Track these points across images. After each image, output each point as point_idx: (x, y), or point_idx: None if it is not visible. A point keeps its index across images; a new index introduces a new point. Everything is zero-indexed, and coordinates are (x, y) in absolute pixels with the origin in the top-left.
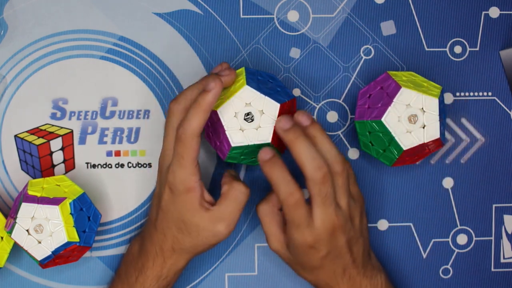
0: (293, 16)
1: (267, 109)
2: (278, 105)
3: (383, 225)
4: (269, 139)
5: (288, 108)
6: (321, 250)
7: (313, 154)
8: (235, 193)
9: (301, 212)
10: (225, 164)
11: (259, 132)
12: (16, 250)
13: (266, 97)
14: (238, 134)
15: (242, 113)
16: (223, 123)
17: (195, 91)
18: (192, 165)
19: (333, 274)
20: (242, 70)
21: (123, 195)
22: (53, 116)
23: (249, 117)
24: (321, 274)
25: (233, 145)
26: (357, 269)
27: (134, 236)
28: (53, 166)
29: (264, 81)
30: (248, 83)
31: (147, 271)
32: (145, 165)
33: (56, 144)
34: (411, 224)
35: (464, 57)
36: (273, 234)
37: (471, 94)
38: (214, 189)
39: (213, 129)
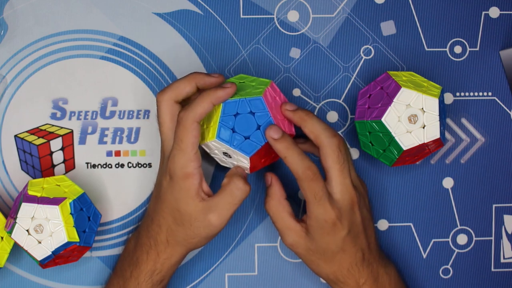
0: (293, 16)
1: (240, 157)
2: (248, 158)
3: (383, 225)
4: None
5: (264, 151)
6: (343, 226)
7: (324, 125)
8: (232, 188)
9: (321, 185)
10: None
11: (239, 163)
12: (16, 250)
13: (236, 150)
14: (221, 162)
15: (220, 151)
16: (209, 152)
17: (186, 84)
18: (192, 150)
19: (354, 260)
20: (219, 106)
21: (123, 195)
22: (53, 116)
23: (227, 155)
24: (343, 260)
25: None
26: (373, 255)
27: (132, 232)
28: (53, 166)
29: (242, 118)
30: (218, 135)
31: (141, 265)
32: (145, 165)
33: (56, 144)
34: (411, 224)
35: (464, 57)
36: (287, 226)
37: (471, 94)
38: (214, 189)
39: None
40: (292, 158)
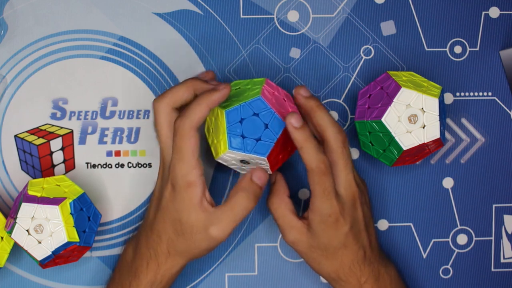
0: (293, 16)
1: (258, 160)
2: (265, 159)
3: (383, 225)
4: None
5: (279, 147)
6: (346, 222)
7: (332, 120)
8: (235, 204)
9: (331, 180)
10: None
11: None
12: (16, 250)
13: (251, 154)
14: (241, 170)
15: (237, 160)
16: (227, 165)
17: (184, 90)
18: (192, 158)
19: (356, 257)
20: (223, 117)
21: (123, 195)
22: (53, 116)
23: (245, 162)
24: (345, 257)
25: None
26: (374, 254)
27: (128, 240)
28: (53, 166)
29: (248, 122)
30: (230, 145)
31: (140, 276)
32: (145, 165)
33: (56, 144)
34: (411, 224)
35: (464, 57)
36: (289, 224)
37: (471, 94)
38: (214, 189)
39: None
40: (308, 149)
